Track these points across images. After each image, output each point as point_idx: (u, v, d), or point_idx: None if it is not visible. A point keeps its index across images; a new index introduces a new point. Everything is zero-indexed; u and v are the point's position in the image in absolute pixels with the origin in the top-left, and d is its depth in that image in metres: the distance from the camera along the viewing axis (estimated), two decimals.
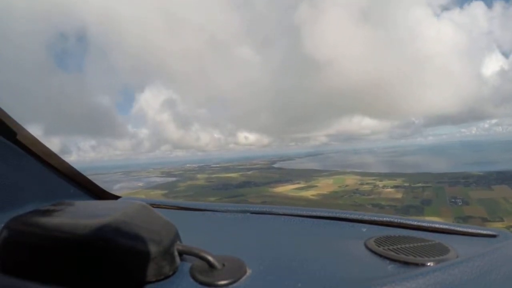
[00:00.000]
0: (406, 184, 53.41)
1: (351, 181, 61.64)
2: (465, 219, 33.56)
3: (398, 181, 56.82)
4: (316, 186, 61.14)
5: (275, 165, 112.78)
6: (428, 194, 46.29)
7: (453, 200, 41.61)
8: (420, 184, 52.49)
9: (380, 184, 55.21)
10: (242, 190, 60.89)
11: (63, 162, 0.81)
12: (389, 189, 51.45)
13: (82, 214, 0.43)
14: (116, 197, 0.90)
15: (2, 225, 0.42)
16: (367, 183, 57.29)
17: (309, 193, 54.33)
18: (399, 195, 47.34)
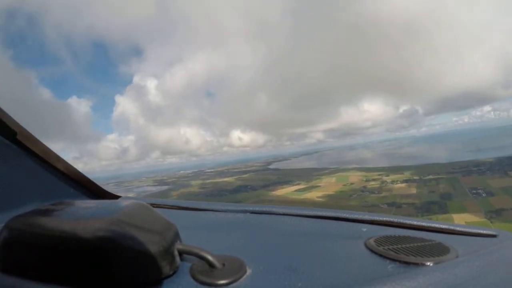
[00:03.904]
0: (416, 177, 49.58)
1: (355, 178, 57.56)
2: (498, 213, 29.54)
3: (406, 175, 52.96)
4: (319, 186, 56.88)
5: (271, 166, 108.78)
6: (444, 187, 42.39)
7: (474, 191, 37.77)
8: (431, 176, 48.74)
9: (388, 179, 51.24)
10: (238, 196, 56.26)
11: (63, 161, 0.81)
12: (400, 184, 47.49)
13: (82, 214, 0.43)
14: (116, 197, 0.90)
15: (2, 225, 0.42)
16: (373, 179, 53.31)
17: (313, 195, 49.89)
18: (413, 190, 43.34)
